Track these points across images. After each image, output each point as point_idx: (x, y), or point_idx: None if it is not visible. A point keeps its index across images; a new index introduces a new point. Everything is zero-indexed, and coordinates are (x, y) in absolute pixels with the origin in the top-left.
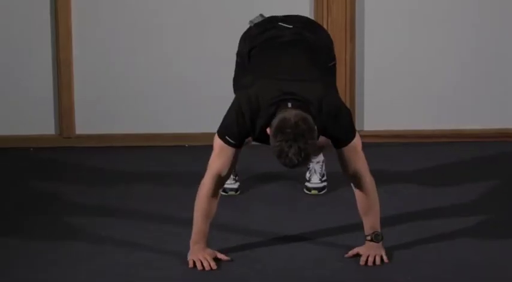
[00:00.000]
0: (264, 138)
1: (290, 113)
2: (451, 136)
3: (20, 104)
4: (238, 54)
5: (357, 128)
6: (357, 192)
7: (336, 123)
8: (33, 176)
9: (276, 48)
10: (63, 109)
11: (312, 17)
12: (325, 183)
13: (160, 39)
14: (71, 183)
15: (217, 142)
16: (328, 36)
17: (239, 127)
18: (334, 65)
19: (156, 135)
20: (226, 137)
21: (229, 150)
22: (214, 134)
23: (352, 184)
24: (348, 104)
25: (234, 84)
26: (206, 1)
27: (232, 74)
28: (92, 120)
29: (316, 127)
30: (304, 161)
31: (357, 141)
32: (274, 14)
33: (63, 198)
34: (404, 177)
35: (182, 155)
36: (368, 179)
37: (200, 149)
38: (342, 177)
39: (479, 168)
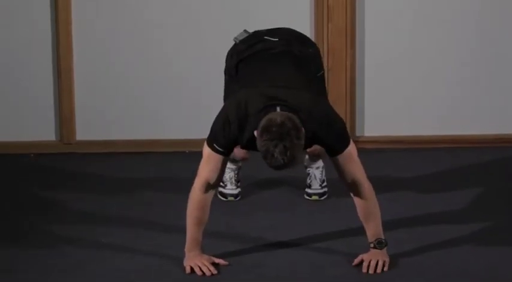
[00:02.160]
0: (254, 145)
1: (276, 114)
2: (451, 142)
3: (21, 110)
4: (226, 71)
5: (358, 133)
6: (356, 199)
7: (329, 131)
8: (33, 182)
9: (264, 59)
10: (63, 115)
11: (312, 24)
12: (325, 189)
13: (160, 46)
14: (71, 189)
15: (206, 150)
16: (315, 46)
17: (226, 135)
18: (323, 74)
19: (157, 141)
20: (214, 145)
21: (217, 158)
22: None
23: (350, 192)
24: (348, 110)
25: (224, 101)
26: (206, 6)
27: None
28: (93, 126)
29: (303, 129)
30: (290, 161)
31: (351, 149)
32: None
33: (63, 204)
34: (404, 183)
35: (183, 161)
36: (366, 186)
37: (201, 155)
38: (342, 183)
39: (479, 174)
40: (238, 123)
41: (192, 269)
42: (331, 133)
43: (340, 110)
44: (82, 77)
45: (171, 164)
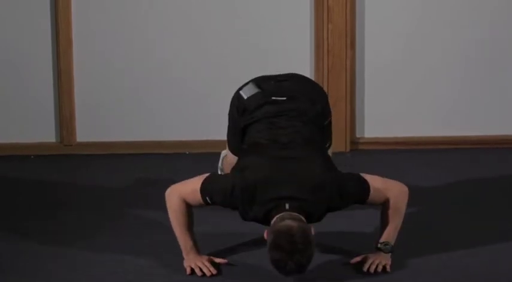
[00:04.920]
0: (255, 219)
1: (286, 225)
2: (451, 143)
3: (21, 111)
4: (230, 118)
5: (357, 134)
6: (384, 207)
7: (343, 200)
8: (33, 184)
9: (271, 131)
10: (63, 117)
11: (312, 25)
12: None
13: (160, 47)
14: (71, 191)
15: (197, 186)
16: (322, 93)
17: (225, 202)
18: (330, 121)
19: (157, 142)
20: (207, 198)
21: (201, 202)
22: (215, 141)
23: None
24: (348, 111)
25: (227, 142)
26: (206, 8)
27: (232, 81)
28: (93, 127)
29: (313, 238)
30: (301, 273)
31: (372, 184)
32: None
33: (63, 206)
34: (405, 184)
35: (183, 162)
36: (400, 198)
37: (201, 157)
38: None
39: (480, 174)
40: (243, 203)
41: (192, 269)
42: (347, 200)
43: (340, 111)
44: (82, 78)
45: (171, 165)
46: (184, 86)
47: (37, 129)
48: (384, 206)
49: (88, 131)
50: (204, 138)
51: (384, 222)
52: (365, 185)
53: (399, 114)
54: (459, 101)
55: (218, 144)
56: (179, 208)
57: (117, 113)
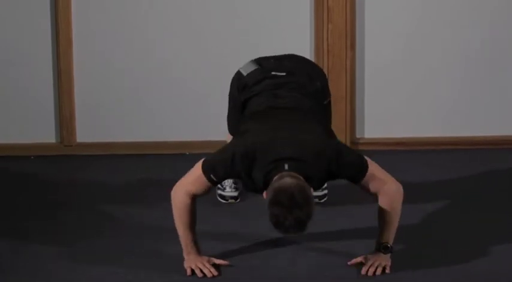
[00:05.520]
0: (256, 191)
1: (286, 182)
2: (451, 143)
3: (21, 112)
4: (231, 98)
5: (357, 135)
6: (379, 204)
7: (341, 167)
8: (33, 184)
9: (271, 100)
10: (64, 117)
11: (312, 25)
12: (325, 191)
13: (160, 47)
14: (71, 192)
15: (199, 171)
16: (322, 74)
17: (227, 173)
18: (329, 101)
19: (157, 143)
20: (211, 175)
21: (207, 184)
22: (215, 142)
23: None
24: (348, 111)
25: (228, 124)
26: (206, 9)
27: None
28: (93, 128)
29: (312, 196)
30: (301, 230)
31: (371, 168)
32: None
33: (63, 207)
34: (405, 184)
35: (183, 163)
36: (395, 196)
37: (201, 157)
38: (342, 185)
39: (481, 175)
40: (245, 169)
41: (192, 270)
42: (345, 168)
43: (340, 111)
44: (82, 79)
45: (171, 165)
46: (184, 86)
47: (37, 130)
48: (379, 204)
49: (88, 131)
50: (204, 138)
51: (382, 223)
52: (364, 164)
53: (399, 115)
54: (459, 101)
55: (218, 144)
56: (184, 206)
57: (117, 113)
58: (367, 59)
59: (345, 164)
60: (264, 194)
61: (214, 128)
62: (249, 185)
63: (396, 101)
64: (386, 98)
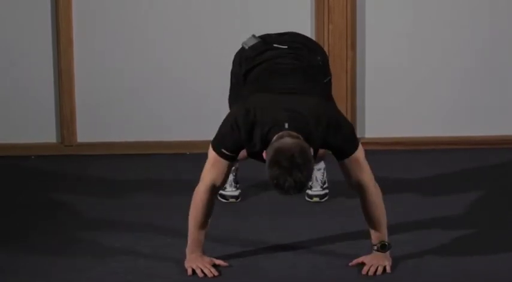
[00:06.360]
0: (259, 157)
1: (286, 142)
2: (452, 143)
3: (22, 112)
4: (233, 74)
5: (358, 135)
6: (362, 202)
7: (337, 135)
8: (34, 184)
9: (272, 68)
10: (64, 117)
11: (313, 25)
12: (326, 191)
13: (160, 47)
14: (71, 192)
15: (211, 154)
16: (323, 52)
17: (234, 140)
18: (330, 80)
19: (158, 143)
20: (222, 150)
21: (224, 163)
22: None
23: (358, 194)
24: (349, 111)
25: (229, 103)
26: (206, 9)
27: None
28: (93, 128)
29: (312, 157)
30: (300, 191)
31: (359, 153)
32: (270, 30)
33: (63, 207)
34: (405, 184)
35: (184, 163)
36: (372, 189)
37: (202, 157)
38: (343, 184)
39: (480, 175)
40: (246, 129)
41: (193, 270)
42: (339, 137)
43: (341, 111)
44: (83, 79)
45: (172, 165)
46: (184, 86)
47: (38, 130)
48: (364, 203)
49: (88, 131)
50: (204, 138)
51: (372, 222)
52: (356, 142)
53: (399, 115)
54: (459, 101)
55: None
56: (201, 203)
57: (118, 114)
58: (367, 59)
59: (341, 134)
60: (264, 153)
61: (215, 127)
62: (251, 148)
63: (396, 101)
64: (386, 98)
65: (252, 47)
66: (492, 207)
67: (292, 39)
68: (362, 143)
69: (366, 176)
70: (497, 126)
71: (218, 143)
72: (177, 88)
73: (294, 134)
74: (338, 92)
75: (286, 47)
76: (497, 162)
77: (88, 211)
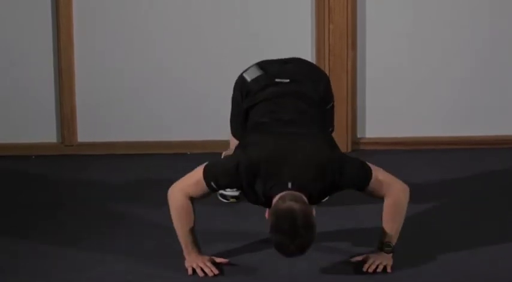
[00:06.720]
0: (256, 202)
1: (288, 208)
2: (452, 143)
3: (22, 111)
4: (234, 102)
5: (359, 135)
6: (385, 205)
7: (345, 178)
8: (34, 184)
9: (275, 109)
10: (64, 117)
11: (313, 25)
12: None
13: (160, 47)
14: (72, 192)
15: (199, 176)
16: (325, 78)
17: (229, 183)
18: (332, 105)
19: (158, 143)
20: (212, 183)
21: (206, 190)
22: (216, 142)
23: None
24: (349, 111)
25: (231, 127)
26: (206, 9)
27: (232, 81)
28: (94, 128)
29: (315, 221)
30: (303, 253)
31: (374, 174)
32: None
33: (64, 207)
34: (405, 184)
35: (184, 163)
36: (402, 198)
37: (202, 157)
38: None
39: (481, 175)
40: (249, 181)
41: (193, 270)
42: (347, 179)
43: (341, 111)
44: (83, 78)
45: (172, 165)
46: (184, 86)
47: (38, 130)
48: (385, 204)
49: (89, 131)
50: (205, 138)
51: (386, 222)
52: (367, 171)
53: (400, 114)
54: (459, 101)
55: (219, 144)
56: (182, 207)
57: (118, 114)
58: (368, 59)
59: (348, 175)
60: (266, 213)
61: (215, 127)
62: (251, 197)
63: (397, 101)
64: (387, 98)
65: (254, 80)
66: (492, 207)
67: (295, 70)
68: (362, 143)
69: (392, 188)
70: (497, 126)
71: (212, 176)
72: (177, 88)
73: (297, 195)
74: (338, 92)
75: (288, 80)
76: (497, 162)
77: (88, 211)
